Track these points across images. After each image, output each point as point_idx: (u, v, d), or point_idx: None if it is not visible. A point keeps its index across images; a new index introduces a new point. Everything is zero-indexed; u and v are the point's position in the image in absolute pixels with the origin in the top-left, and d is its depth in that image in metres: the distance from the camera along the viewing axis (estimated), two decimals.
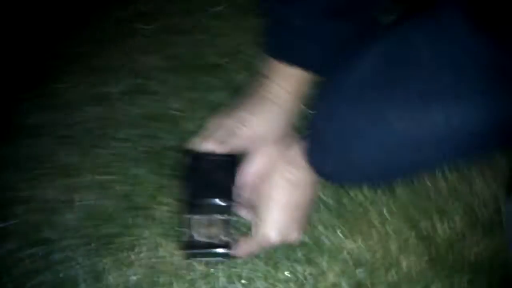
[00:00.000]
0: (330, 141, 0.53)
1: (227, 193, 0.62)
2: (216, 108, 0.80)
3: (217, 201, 0.62)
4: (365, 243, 0.70)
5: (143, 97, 0.85)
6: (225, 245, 0.66)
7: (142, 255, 0.70)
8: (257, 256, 0.69)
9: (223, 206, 0.62)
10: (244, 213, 0.69)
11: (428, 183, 0.76)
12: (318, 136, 0.56)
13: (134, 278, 0.68)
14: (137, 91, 0.85)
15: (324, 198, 0.74)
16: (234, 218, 0.67)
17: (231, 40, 0.93)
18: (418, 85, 0.42)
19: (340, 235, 0.71)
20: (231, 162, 0.62)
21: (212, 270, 0.68)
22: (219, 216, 0.66)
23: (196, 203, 0.62)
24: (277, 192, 0.62)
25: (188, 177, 0.62)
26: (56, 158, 0.78)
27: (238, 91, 0.83)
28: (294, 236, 0.66)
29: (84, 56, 0.90)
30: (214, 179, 0.62)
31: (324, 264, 0.68)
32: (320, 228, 0.72)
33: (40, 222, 0.72)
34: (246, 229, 0.70)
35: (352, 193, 0.74)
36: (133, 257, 0.69)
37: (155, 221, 0.72)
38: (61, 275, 0.68)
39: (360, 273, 0.68)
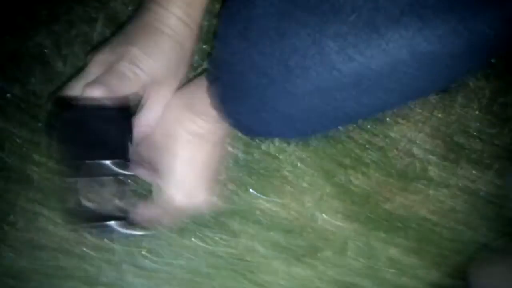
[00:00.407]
0: (248, 85, 0.45)
1: (121, 152, 0.51)
2: (90, 43, 0.69)
3: (109, 163, 0.50)
4: (279, 201, 0.65)
5: None
6: (121, 212, 0.56)
7: (18, 226, 0.58)
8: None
9: (117, 168, 0.51)
10: (142, 174, 0.58)
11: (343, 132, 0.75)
12: (232, 79, 0.47)
13: (10, 255, 0.57)
14: None
15: (233, 151, 0.67)
16: (130, 180, 0.59)
17: None
18: (362, 10, 0.36)
19: (253, 192, 0.65)
20: (124, 113, 0.50)
21: (106, 241, 0.59)
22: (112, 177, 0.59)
23: (82, 166, 0.50)
24: (181, 147, 0.53)
25: (68, 134, 0.49)
26: None
27: (114, 22, 0.70)
28: (202, 197, 0.57)
29: None
30: (103, 136, 0.50)
31: (236, 227, 0.62)
32: (230, 186, 0.65)
33: None
34: (146, 193, 0.61)
35: (264, 146, 0.67)
36: (6, 228, 0.58)
37: (32, 185, 0.60)
38: None
39: (275, 234, 0.63)
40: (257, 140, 0.68)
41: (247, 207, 0.64)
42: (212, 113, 0.52)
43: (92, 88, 0.47)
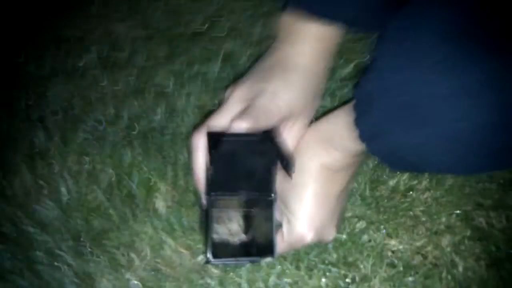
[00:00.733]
0: (415, 117, 0.42)
1: (267, 185, 0.51)
2: (206, 81, 0.73)
3: (256, 194, 0.51)
4: (412, 242, 0.59)
5: (118, 71, 0.75)
6: (248, 247, 0.55)
7: (143, 254, 0.58)
8: (284, 257, 0.59)
9: (266, 200, 0.51)
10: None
11: None
12: (391, 111, 0.44)
13: (135, 282, 0.56)
14: (111, 64, 0.76)
15: (357, 186, 0.63)
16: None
17: (209, 5, 0.83)
18: None
19: (383, 232, 0.60)
20: (270, 145, 0.49)
21: (231, 274, 0.56)
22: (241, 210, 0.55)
23: (226, 195, 0.51)
24: (315, 181, 0.52)
25: (220, 165, 0.49)
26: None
27: (227, 61, 0.75)
28: (331, 234, 0.55)
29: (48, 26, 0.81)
30: (250, 168, 0.50)
31: (367, 268, 0.57)
32: (358, 224, 0.61)
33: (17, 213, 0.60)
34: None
35: (392, 182, 0.63)
36: (132, 256, 0.57)
37: (157, 214, 0.61)
38: (44, 276, 0.57)
39: (411, 279, 0.56)
40: (384, 176, 0.65)
41: (378, 248, 0.60)
42: (352, 146, 0.50)
43: (241, 121, 0.48)
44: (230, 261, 0.52)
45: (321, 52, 0.53)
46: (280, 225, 0.54)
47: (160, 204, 0.62)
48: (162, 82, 0.73)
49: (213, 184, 0.48)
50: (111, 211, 0.60)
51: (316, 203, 0.52)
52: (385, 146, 0.46)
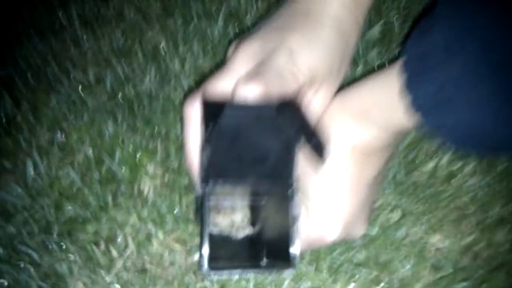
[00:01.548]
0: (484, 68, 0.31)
1: (284, 170, 0.38)
2: (205, 42, 0.60)
3: (269, 183, 0.38)
4: (460, 238, 0.48)
5: (102, 29, 0.61)
6: (255, 248, 0.43)
7: (127, 250, 0.46)
8: (301, 257, 0.47)
9: (282, 191, 0.38)
10: None
11: None
12: (456, 62, 0.32)
13: (117, 286, 0.45)
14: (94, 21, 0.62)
15: (391, 172, 0.51)
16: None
17: None
18: None
19: (422, 225, 0.48)
20: (290, 120, 0.35)
21: (236, 276, 0.45)
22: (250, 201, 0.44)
23: (227, 184, 0.38)
24: (344, 165, 0.40)
25: (213, 140, 0.36)
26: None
27: (231, 19, 0.61)
28: (361, 229, 0.43)
29: None
30: (262, 148, 0.37)
31: (406, 269, 0.45)
32: (392, 214, 0.49)
33: None
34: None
35: (429, 165, 0.51)
36: (113, 253, 0.46)
37: (144, 200, 0.49)
38: (4, 279, 0.45)
39: (464, 286, 0.45)
40: (419, 158, 0.54)
41: (418, 245, 0.49)
42: (394, 120, 0.38)
43: (248, 84, 0.35)
44: (233, 272, 0.39)
45: (355, 2, 0.42)
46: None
47: (148, 188, 0.50)
48: (154, 42, 0.60)
49: (210, 168, 0.36)
50: (88, 196, 0.48)
51: (344, 192, 0.40)
52: (453, 117, 0.34)
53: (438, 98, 0.34)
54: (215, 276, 0.37)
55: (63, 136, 0.53)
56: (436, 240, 0.48)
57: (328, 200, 0.40)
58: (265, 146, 0.36)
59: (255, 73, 0.36)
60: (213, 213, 0.44)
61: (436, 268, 0.46)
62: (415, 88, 0.35)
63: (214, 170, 0.36)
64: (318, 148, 0.34)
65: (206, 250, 0.35)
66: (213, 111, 0.35)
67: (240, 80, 0.36)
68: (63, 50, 0.60)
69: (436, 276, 0.45)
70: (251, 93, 0.34)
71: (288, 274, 0.37)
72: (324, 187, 0.40)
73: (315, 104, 0.40)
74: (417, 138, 0.54)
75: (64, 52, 0.60)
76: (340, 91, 0.42)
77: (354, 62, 0.60)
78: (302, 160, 0.41)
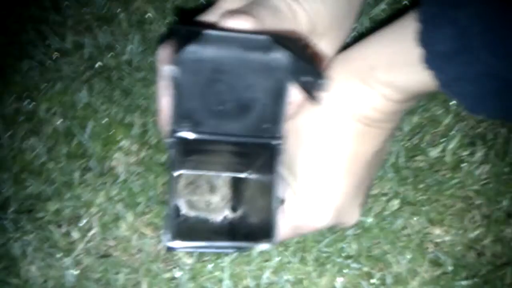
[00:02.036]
0: None
1: (272, 120, 0.31)
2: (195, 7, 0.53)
3: (251, 139, 0.31)
4: (464, 233, 0.42)
5: None
6: (236, 227, 0.39)
7: (90, 233, 0.41)
8: (284, 245, 0.42)
9: (267, 149, 0.32)
10: None
11: None
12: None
13: (74, 273, 0.39)
14: None
15: (391, 157, 0.45)
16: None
17: None
18: None
19: (423, 217, 0.42)
20: (282, 53, 0.28)
21: (209, 266, 0.39)
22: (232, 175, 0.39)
23: (199, 135, 0.30)
24: (334, 135, 0.35)
25: (183, 79, 0.28)
26: None
27: None
28: (353, 216, 0.38)
29: None
30: (243, 91, 0.29)
31: (401, 265, 0.40)
32: (389, 204, 0.43)
33: None
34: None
35: (435, 151, 0.45)
36: (75, 236, 0.41)
37: (115, 178, 0.43)
38: None
39: (464, 284, 0.39)
40: (424, 142, 0.48)
41: (417, 238, 0.43)
42: (403, 80, 0.32)
43: (238, 19, 0.28)
44: (202, 246, 0.34)
45: None
46: (281, 201, 0.38)
47: (120, 166, 0.44)
48: (140, 11, 0.54)
49: (179, 115, 0.29)
50: (52, 171, 0.43)
51: (338, 169, 0.35)
52: (475, 67, 0.28)
53: (459, 43, 0.28)
54: (178, 247, 0.31)
55: (32, 105, 0.48)
56: (437, 233, 0.42)
57: (319, 179, 0.35)
58: (249, 91, 0.29)
59: (246, 8, 0.30)
60: (189, 191, 0.39)
61: (435, 264, 0.40)
62: (433, 33, 0.29)
63: (183, 118, 0.29)
64: (316, 86, 0.26)
65: (169, 218, 0.30)
66: (184, 37, 0.28)
67: (226, 14, 0.30)
68: (42, 14, 0.56)
69: (435, 273, 0.40)
70: (239, 24, 0.28)
71: (263, 247, 0.31)
72: (315, 163, 0.35)
73: (315, 58, 0.35)
74: (422, 120, 0.49)
75: (43, 17, 0.55)
76: (344, 50, 0.36)
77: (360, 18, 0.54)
78: (290, 128, 0.36)
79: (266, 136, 0.30)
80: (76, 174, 0.43)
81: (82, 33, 0.53)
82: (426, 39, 0.30)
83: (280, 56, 0.27)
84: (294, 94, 0.33)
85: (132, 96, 0.49)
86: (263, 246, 0.33)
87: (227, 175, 0.38)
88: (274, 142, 0.30)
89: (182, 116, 0.28)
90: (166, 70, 0.27)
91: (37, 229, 0.40)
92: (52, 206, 0.42)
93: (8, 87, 0.49)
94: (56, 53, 0.51)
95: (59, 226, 0.41)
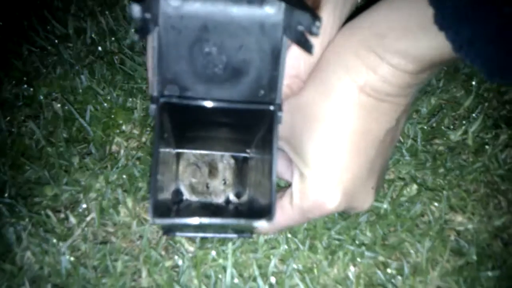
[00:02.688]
0: None
1: (266, 86, 0.27)
2: None
3: (244, 105, 0.28)
4: (488, 220, 0.39)
5: None
6: (239, 213, 0.36)
7: (88, 218, 0.39)
8: (292, 231, 0.38)
9: (264, 116, 0.28)
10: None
11: None
12: None
13: (69, 259, 0.37)
14: None
15: (403, 139, 0.43)
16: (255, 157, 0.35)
17: None
18: None
19: (443, 203, 0.39)
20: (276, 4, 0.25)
21: (212, 253, 0.36)
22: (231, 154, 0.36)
23: (184, 100, 0.27)
24: (343, 112, 0.31)
25: (164, 37, 0.25)
26: None
27: None
28: (367, 200, 0.34)
29: None
30: (233, 50, 0.26)
31: (420, 254, 0.37)
32: (407, 189, 0.40)
33: None
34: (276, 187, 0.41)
35: (454, 132, 0.43)
36: (73, 220, 0.38)
37: (115, 162, 0.41)
38: None
39: (490, 275, 0.36)
40: (444, 124, 0.45)
41: (437, 225, 0.40)
42: (415, 45, 0.29)
43: None
44: (189, 224, 0.28)
45: None
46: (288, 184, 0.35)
47: (121, 150, 0.42)
48: None
49: (163, 79, 0.26)
50: (51, 155, 0.41)
51: (347, 149, 0.32)
52: (497, 22, 0.25)
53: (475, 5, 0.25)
54: (159, 221, 0.26)
55: (32, 89, 0.47)
56: (459, 221, 0.39)
57: (326, 159, 0.32)
58: (242, 52, 0.26)
59: None
60: (189, 174, 0.37)
61: (457, 253, 0.37)
62: None
63: (169, 83, 0.26)
64: (312, 30, 0.23)
65: (152, 190, 0.26)
66: None
67: None
68: (45, 0, 0.54)
69: (457, 263, 0.36)
70: None
71: (259, 224, 0.28)
72: (322, 141, 0.32)
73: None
74: (441, 101, 0.46)
75: (46, 3, 0.54)
76: (352, 19, 0.33)
77: None
78: (295, 105, 0.33)
79: (262, 102, 0.27)
80: (76, 159, 0.42)
81: (84, 19, 0.52)
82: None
83: (274, 11, 0.24)
84: (296, 64, 0.31)
85: (134, 80, 0.47)
86: (259, 223, 0.29)
87: (228, 154, 0.36)
88: (272, 107, 0.27)
89: (166, 80, 0.26)
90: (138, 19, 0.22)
91: (33, 214, 0.38)
92: (50, 191, 0.40)
93: (9, 73, 0.47)
94: (57, 38, 0.50)
95: (57, 211, 0.39)
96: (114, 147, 0.43)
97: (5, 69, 0.48)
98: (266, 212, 0.27)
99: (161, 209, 0.26)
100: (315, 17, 0.21)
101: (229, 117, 0.28)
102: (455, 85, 0.46)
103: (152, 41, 0.25)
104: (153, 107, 0.25)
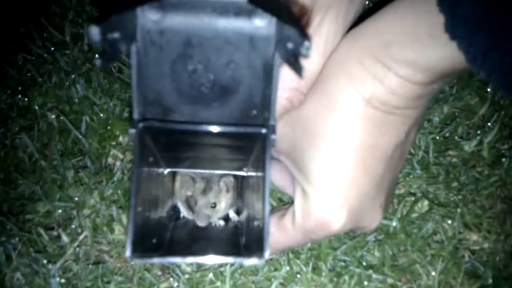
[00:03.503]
0: None
1: (258, 105, 0.24)
2: None
3: (233, 128, 0.24)
4: (505, 239, 0.36)
5: None
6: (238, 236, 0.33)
7: (81, 238, 0.37)
8: (295, 251, 0.36)
9: (257, 140, 0.25)
10: (274, 176, 0.35)
11: None
12: None
13: (60, 281, 0.34)
14: None
15: (414, 151, 0.40)
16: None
17: None
18: None
19: (457, 221, 0.36)
20: (264, 16, 0.22)
21: (209, 275, 0.34)
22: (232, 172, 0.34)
23: (165, 124, 0.24)
24: (348, 126, 0.29)
25: (143, 52, 0.22)
26: None
27: None
28: (374, 219, 0.32)
29: None
30: (225, 67, 0.23)
31: (431, 276, 0.34)
32: (418, 205, 0.37)
33: None
34: (278, 200, 0.38)
35: (468, 143, 0.39)
36: (65, 240, 0.37)
37: (110, 176, 0.39)
38: None
39: None
40: (457, 135, 0.43)
41: (450, 245, 0.38)
42: (425, 54, 0.26)
43: None
44: (166, 259, 0.26)
45: None
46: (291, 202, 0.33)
47: (117, 162, 0.40)
48: None
49: (144, 100, 0.23)
50: (45, 169, 0.39)
51: (352, 165, 0.29)
52: None
53: (493, 2, 0.22)
54: (139, 260, 0.24)
55: (26, 100, 0.45)
56: (474, 239, 0.36)
57: (331, 176, 0.29)
58: (230, 69, 0.23)
59: None
60: (185, 192, 0.35)
61: (471, 276, 0.34)
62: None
63: (150, 104, 0.23)
64: (298, 52, 0.19)
65: (131, 226, 0.23)
66: None
67: None
68: (42, 6, 0.53)
69: (472, 286, 0.34)
70: None
71: (250, 263, 0.24)
72: (326, 158, 0.29)
73: (318, 40, 0.29)
74: (454, 109, 0.43)
75: (43, 9, 0.52)
76: (355, 26, 0.30)
77: None
78: (296, 119, 0.31)
79: (254, 124, 0.24)
80: (70, 173, 0.40)
81: (82, 25, 0.50)
82: (448, 2, 0.24)
83: (264, 23, 0.21)
84: (295, 76, 0.29)
85: (130, 91, 0.45)
86: (250, 262, 0.26)
87: (224, 173, 0.34)
88: (264, 131, 0.24)
89: (148, 101, 0.23)
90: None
91: (24, 233, 0.36)
92: (43, 207, 0.38)
93: (3, 81, 0.46)
94: (53, 45, 0.48)
95: (49, 229, 0.37)
96: (110, 160, 0.41)
97: (0, 78, 0.46)
98: (258, 246, 0.24)
99: (142, 244, 0.24)
100: (304, 35, 0.18)
101: (219, 139, 0.26)
102: (469, 92, 0.44)
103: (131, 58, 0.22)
104: (132, 132, 0.23)
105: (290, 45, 0.19)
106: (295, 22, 0.19)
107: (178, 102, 0.23)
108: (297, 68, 0.19)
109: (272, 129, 0.23)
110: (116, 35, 0.18)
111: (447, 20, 0.24)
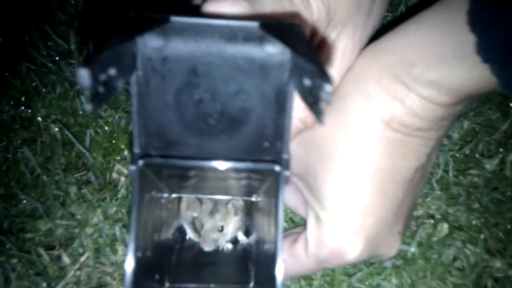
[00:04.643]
0: None
1: (274, 138, 0.21)
2: None
3: (242, 165, 0.22)
4: None
5: None
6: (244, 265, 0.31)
7: (82, 259, 0.35)
8: (307, 278, 0.34)
9: (267, 176, 0.23)
10: (287, 198, 0.34)
11: None
12: None
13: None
14: None
15: (433, 169, 0.38)
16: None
17: None
18: None
19: (480, 246, 0.34)
20: (278, 47, 0.19)
21: None
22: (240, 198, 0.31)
23: (168, 165, 0.22)
24: (365, 149, 0.27)
25: (144, 81, 0.20)
26: None
27: None
28: (393, 246, 0.30)
29: None
30: (233, 97, 0.20)
31: None
32: (437, 229, 0.34)
33: None
34: (290, 220, 0.36)
35: (490, 162, 0.37)
36: (66, 261, 0.34)
37: (114, 193, 0.37)
38: None
39: None
40: (477, 153, 0.40)
41: (474, 272, 0.35)
42: (448, 76, 0.24)
43: (227, 1, 0.21)
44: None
45: None
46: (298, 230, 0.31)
47: (121, 178, 0.38)
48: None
49: (146, 133, 0.21)
50: (47, 184, 0.37)
51: (369, 190, 0.27)
52: None
53: None
54: None
55: (30, 111, 0.43)
56: (497, 267, 0.33)
57: (347, 203, 0.27)
58: (240, 99, 0.20)
59: None
60: (192, 214, 0.33)
61: None
62: (491, 12, 0.21)
63: (152, 137, 0.21)
64: (318, 96, 0.17)
65: (130, 261, 0.20)
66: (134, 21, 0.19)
67: None
68: (48, 14, 0.51)
69: None
70: (227, 10, 0.20)
71: None
72: (342, 183, 0.27)
73: (335, 58, 0.27)
74: (475, 125, 0.40)
75: (48, 17, 0.50)
76: (374, 41, 0.28)
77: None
78: (310, 141, 0.29)
79: (266, 159, 0.22)
80: (73, 188, 0.38)
81: (88, 34, 0.48)
82: (481, 22, 0.22)
83: (276, 51, 0.19)
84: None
85: None
86: None
87: (231, 198, 0.32)
88: (277, 168, 0.21)
89: (150, 133, 0.21)
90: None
91: (23, 253, 0.34)
92: (44, 225, 0.36)
93: (7, 91, 0.44)
94: (58, 54, 0.47)
95: (50, 248, 0.35)
96: (114, 175, 0.39)
97: (4, 88, 0.44)
98: (270, 281, 0.22)
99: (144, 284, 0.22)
100: (324, 76, 0.15)
101: (227, 173, 0.23)
102: (490, 107, 0.41)
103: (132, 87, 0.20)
104: (132, 168, 0.21)
105: (307, 82, 0.16)
106: (312, 55, 0.16)
107: (183, 134, 0.21)
108: (317, 113, 0.16)
109: (286, 165, 0.21)
110: (111, 72, 0.15)
111: (479, 42, 0.21)
